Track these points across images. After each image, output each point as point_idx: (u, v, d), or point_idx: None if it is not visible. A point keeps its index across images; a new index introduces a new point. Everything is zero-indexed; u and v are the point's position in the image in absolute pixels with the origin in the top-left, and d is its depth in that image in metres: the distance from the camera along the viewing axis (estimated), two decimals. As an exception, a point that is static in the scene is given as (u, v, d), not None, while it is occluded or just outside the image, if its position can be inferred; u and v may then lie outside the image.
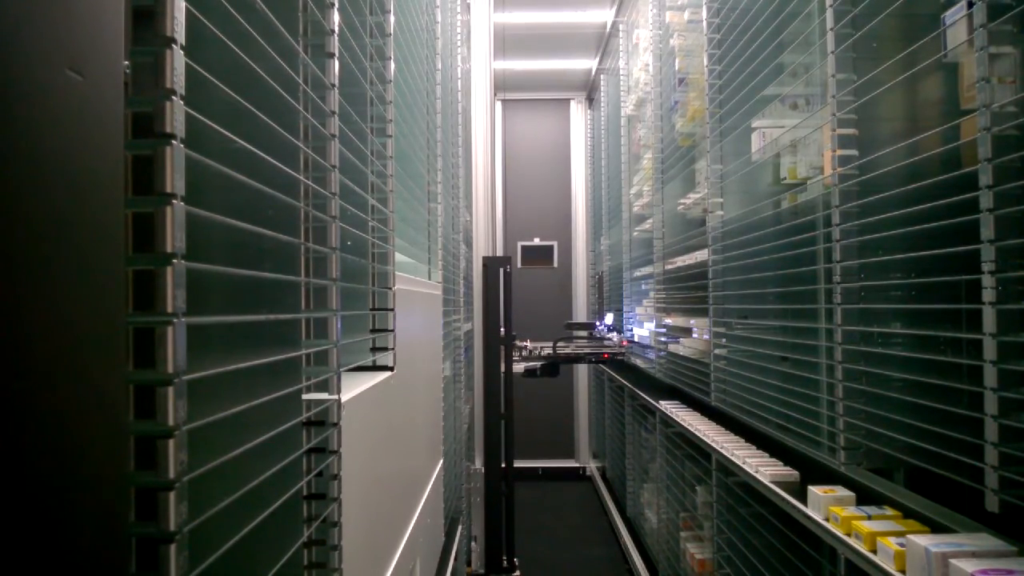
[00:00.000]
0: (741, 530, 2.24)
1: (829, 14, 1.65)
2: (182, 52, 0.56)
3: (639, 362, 4.18)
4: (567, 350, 4.50)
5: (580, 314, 6.60)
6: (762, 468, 1.96)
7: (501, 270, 3.92)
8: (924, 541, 1.21)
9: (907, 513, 1.45)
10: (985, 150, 1.14)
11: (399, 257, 1.80)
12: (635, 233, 4.50)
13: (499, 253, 6.10)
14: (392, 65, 1.51)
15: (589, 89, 6.63)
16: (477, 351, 4.10)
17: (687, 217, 3.18)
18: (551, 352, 4.38)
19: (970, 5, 1.19)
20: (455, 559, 2.82)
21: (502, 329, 3.90)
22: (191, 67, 0.58)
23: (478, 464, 4.11)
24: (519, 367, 4.26)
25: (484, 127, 4.42)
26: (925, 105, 1.54)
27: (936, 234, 1.31)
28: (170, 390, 0.55)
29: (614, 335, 4.69)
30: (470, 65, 4.32)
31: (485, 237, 4.45)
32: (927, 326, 1.44)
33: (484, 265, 3.95)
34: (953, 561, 1.15)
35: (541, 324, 6.36)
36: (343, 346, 1.09)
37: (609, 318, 5.04)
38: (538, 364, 4.36)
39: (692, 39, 2.94)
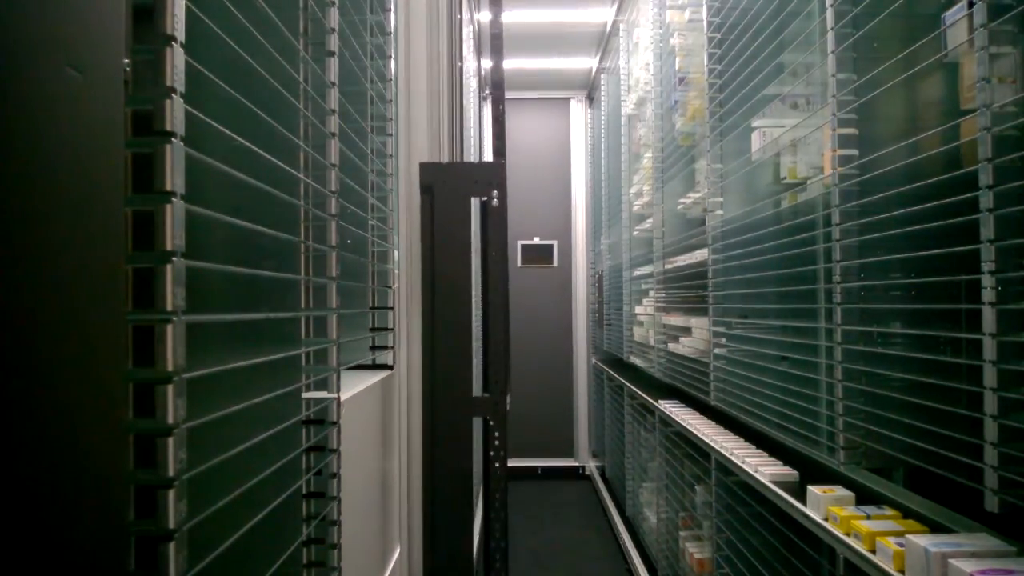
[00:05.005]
0: (740, 530, 2.24)
1: (829, 13, 1.65)
2: (182, 50, 0.56)
3: (638, 361, 4.18)
4: None
5: (580, 314, 6.60)
6: (761, 468, 1.96)
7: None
8: (923, 541, 1.21)
9: (906, 513, 1.45)
10: (985, 150, 1.14)
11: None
12: (635, 232, 4.50)
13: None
14: (392, 63, 1.51)
15: (589, 88, 6.63)
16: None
17: (687, 216, 3.18)
18: None
19: (970, 5, 1.19)
20: (454, 558, 2.81)
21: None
22: (191, 65, 0.58)
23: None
24: None
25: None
26: (925, 105, 1.54)
27: (936, 234, 1.31)
28: (170, 388, 0.55)
29: None
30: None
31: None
32: (927, 326, 1.44)
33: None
34: (952, 561, 1.15)
35: (541, 323, 6.37)
36: (343, 344, 1.09)
37: None
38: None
39: (692, 38, 2.94)
